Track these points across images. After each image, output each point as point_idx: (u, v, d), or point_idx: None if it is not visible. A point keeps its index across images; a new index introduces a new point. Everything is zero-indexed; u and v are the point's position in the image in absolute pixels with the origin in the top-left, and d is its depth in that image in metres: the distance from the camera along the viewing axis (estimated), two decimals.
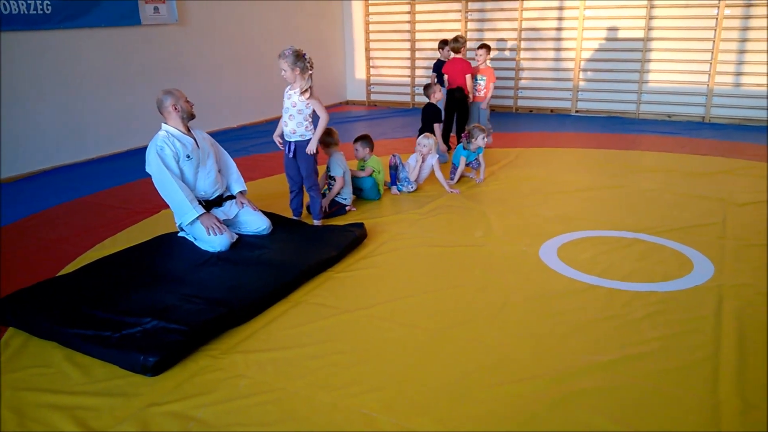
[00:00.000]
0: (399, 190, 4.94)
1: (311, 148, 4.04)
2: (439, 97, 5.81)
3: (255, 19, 8.24)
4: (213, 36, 7.67)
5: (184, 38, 7.29)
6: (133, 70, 6.73)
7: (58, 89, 6.02)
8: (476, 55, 6.57)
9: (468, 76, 6.28)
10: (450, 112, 6.36)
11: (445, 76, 6.47)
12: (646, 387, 2.34)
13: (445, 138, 6.24)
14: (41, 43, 5.81)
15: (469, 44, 9.06)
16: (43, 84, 5.88)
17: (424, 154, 4.97)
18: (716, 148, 6.42)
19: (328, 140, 4.42)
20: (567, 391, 2.32)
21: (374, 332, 2.80)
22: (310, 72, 3.95)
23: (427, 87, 5.87)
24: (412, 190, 4.93)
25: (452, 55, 6.46)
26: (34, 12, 5.66)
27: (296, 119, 4.00)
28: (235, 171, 4.01)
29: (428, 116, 5.77)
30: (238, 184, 3.99)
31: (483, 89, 6.53)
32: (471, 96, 6.42)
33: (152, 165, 3.56)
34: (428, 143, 4.93)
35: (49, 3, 5.76)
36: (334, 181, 4.43)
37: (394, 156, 4.96)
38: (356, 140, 4.75)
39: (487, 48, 6.60)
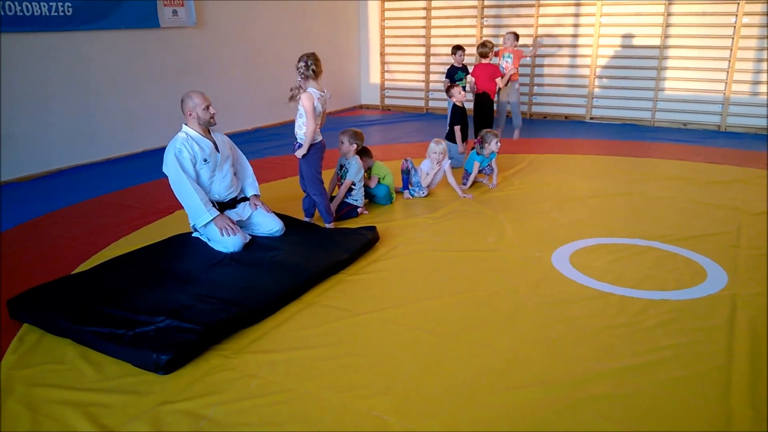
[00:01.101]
0: (411, 195, 4.95)
1: (299, 152, 4.07)
2: (459, 97, 5.79)
3: (271, 22, 8.31)
4: (230, 39, 7.74)
5: (202, 41, 7.37)
6: (151, 72, 6.81)
7: (75, 90, 6.10)
8: (503, 40, 6.81)
9: (498, 79, 6.38)
10: (475, 116, 6.45)
11: (472, 80, 6.52)
12: (658, 395, 2.33)
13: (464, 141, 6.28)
14: (61, 45, 5.90)
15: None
16: (61, 85, 5.96)
17: (439, 161, 4.96)
18: (731, 157, 6.36)
19: (354, 141, 4.44)
20: (577, 398, 2.32)
21: (385, 335, 2.81)
22: (303, 75, 3.97)
23: (447, 90, 5.90)
24: (424, 195, 4.94)
25: (481, 60, 6.51)
26: (55, 14, 5.75)
27: (298, 121, 4.05)
28: (251, 174, 4.04)
29: (451, 118, 5.80)
30: (252, 188, 4.02)
31: (510, 66, 6.74)
32: (497, 99, 6.57)
33: (169, 166, 3.60)
34: (440, 149, 4.92)
35: (70, 5, 5.85)
36: (352, 183, 4.44)
37: (406, 160, 4.96)
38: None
39: (516, 36, 6.81)
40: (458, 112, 5.79)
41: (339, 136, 4.46)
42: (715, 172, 5.71)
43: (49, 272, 3.47)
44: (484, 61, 6.51)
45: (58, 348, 2.72)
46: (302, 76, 3.98)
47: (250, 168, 4.06)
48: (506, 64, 6.81)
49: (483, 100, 6.43)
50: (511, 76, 6.82)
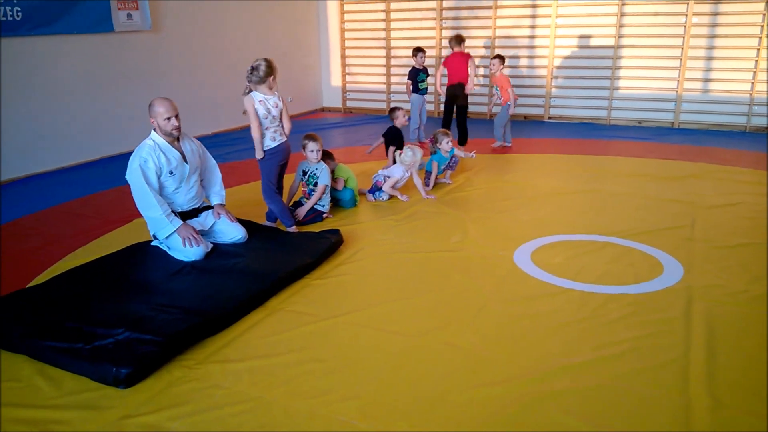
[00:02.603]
0: (374, 199, 4.94)
1: (256, 155, 4.07)
2: (402, 122, 5.78)
3: (229, 25, 8.21)
4: (187, 42, 7.62)
5: (159, 45, 7.23)
6: (107, 78, 6.65)
7: (28, 97, 5.91)
8: (490, 65, 6.74)
9: (470, 62, 6.45)
10: (449, 106, 6.55)
11: (445, 70, 6.55)
12: (619, 388, 2.38)
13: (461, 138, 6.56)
14: (12, 50, 5.71)
15: (449, 51, 9.17)
16: (12, 92, 5.77)
17: (411, 168, 4.93)
18: (685, 152, 6.56)
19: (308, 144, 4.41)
20: (542, 393, 2.35)
21: (351, 339, 2.80)
22: (251, 78, 3.98)
23: (391, 111, 5.86)
24: (386, 198, 4.93)
25: (454, 49, 6.55)
26: (4, 18, 5.56)
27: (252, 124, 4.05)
28: (219, 182, 3.99)
29: (388, 138, 5.80)
30: (218, 197, 3.96)
31: (500, 98, 6.73)
32: (472, 84, 6.54)
33: (132, 176, 3.50)
34: (417, 159, 4.90)
35: (19, 9, 5.67)
36: (316, 187, 4.41)
37: (378, 175, 4.95)
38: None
39: (501, 58, 6.75)
40: (397, 134, 5.78)
41: (302, 140, 4.43)
42: (670, 168, 5.87)
43: (3, 286, 3.36)
44: (457, 50, 6.55)
45: (13, 365, 2.63)
46: (254, 80, 3.98)
47: (219, 175, 4.00)
48: (497, 96, 6.78)
49: (456, 92, 6.49)
50: (500, 102, 6.79)
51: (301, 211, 4.34)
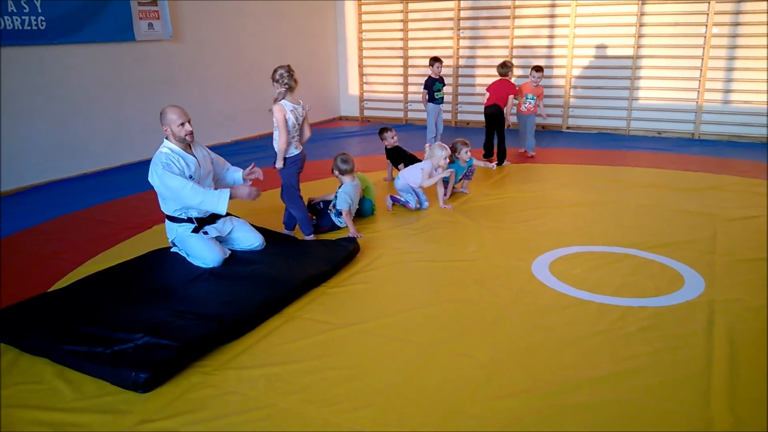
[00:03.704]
0: (419, 207, 4.88)
1: (276, 164, 4.07)
2: (392, 143, 5.72)
3: (248, 35, 8.30)
4: (207, 51, 7.71)
5: (178, 54, 7.33)
6: (127, 86, 6.75)
7: (51, 104, 6.03)
8: (531, 76, 6.83)
9: (510, 97, 6.54)
10: (489, 128, 6.65)
11: (487, 94, 6.68)
12: (637, 402, 2.35)
13: (488, 152, 6.69)
14: (36, 58, 5.83)
15: (466, 61, 9.20)
16: (36, 99, 5.89)
17: (443, 166, 4.91)
18: (705, 164, 6.48)
19: (342, 167, 4.37)
20: (558, 406, 2.33)
21: (367, 348, 2.80)
22: (282, 85, 3.95)
23: (380, 132, 5.77)
24: (425, 207, 4.90)
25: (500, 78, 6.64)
26: (29, 28, 5.68)
27: (274, 134, 4.05)
28: (230, 165, 4.01)
29: (392, 160, 5.75)
30: (237, 171, 3.98)
31: (532, 107, 6.83)
32: (507, 114, 6.62)
33: (162, 178, 3.51)
34: (445, 153, 4.88)
35: (43, 19, 5.79)
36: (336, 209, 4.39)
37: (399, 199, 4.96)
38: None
39: (541, 69, 6.85)
40: (391, 153, 5.75)
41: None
42: (690, 179, 5.81)
43: (25, 290, 3.40)
44: (504, 78, 6.64)
45: (34, 368, 2.67)
46: (286, 86, 3.96)
47: (223, 160, 4.01)
48: (529, 105, 6.82)
49: (492, 111, 6.54)
50: (531, 108, 6.88)
51: (352, 232, 4.30)
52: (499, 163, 6.56)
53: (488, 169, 6.13)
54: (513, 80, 6.84)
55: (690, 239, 4.13)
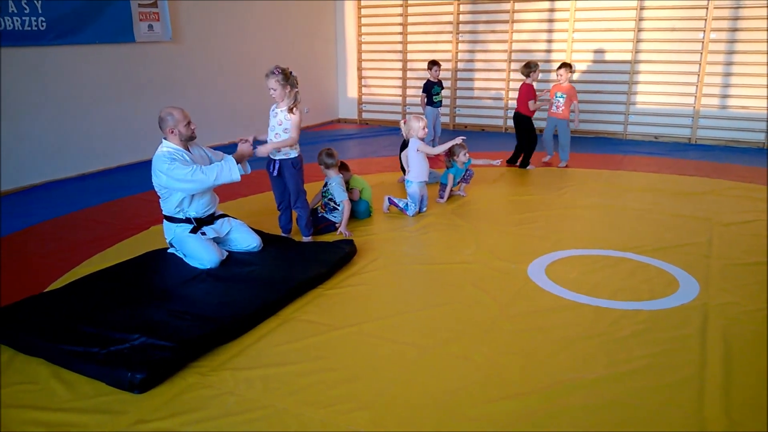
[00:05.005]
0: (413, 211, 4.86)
1: (261, 150, 3.97)
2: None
3: (248, 37, 8.31)
4: (206, 53, 7.72)
5: (178, 56, 7.34)
6: (127, 87, 6.76)
7: (51, 105, 6.03)
8: (557, 74, 6.58)
9: (531, 102, 6.39)
10: (516, 134, 6.60)
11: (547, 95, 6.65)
12: (633, 405, 2.36)
13: (512, 158, 6.65)
14: (36, 59, 5.83)
15: (465, 64, 9.22)
16: (36, 99, 5.89)
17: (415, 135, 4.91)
18: (702, 168, 6.51)
19: (328, 161, 4.43)
20: (554, 409, 2.34)
21: (364, 349, 2.81)
22: (297, 90, 4.00)
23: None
24: (420, 210, 4.91)
25: (525, 80, 6.49)
26: (29, 28, 5.69)
27: (282, 138, 4.03)
28: (219, 154, 3.97)
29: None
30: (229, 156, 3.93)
31: (562, 106, 6.52)
32: (531, 116, 6.51)
33: (169, 172, 3.51)
34: (420, 125, 4.88)
35: (44, 19, 5.79)
36: (334, 203, 4.42)
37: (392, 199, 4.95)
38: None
39: (568, 66, 6.55)
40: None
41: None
42: (687, 183, 5.83)
43: (22, 290, 3.40)
44: (526, 80, 6.44)
45: (30, 368, 2.67)
46: (296, 88, 3.99)
47: (221, 154, 3.97)
48: (558, 104, 6.53)
49: (518, 119, 6.51)
50: (559, 112, 6.58)
51: (342, 229, 4.36)
52: (522, 166, 6.53)
53: (485, 173, 6.14)
54: (536, 84, 6.66)
55: (686, 243, 4.15)
